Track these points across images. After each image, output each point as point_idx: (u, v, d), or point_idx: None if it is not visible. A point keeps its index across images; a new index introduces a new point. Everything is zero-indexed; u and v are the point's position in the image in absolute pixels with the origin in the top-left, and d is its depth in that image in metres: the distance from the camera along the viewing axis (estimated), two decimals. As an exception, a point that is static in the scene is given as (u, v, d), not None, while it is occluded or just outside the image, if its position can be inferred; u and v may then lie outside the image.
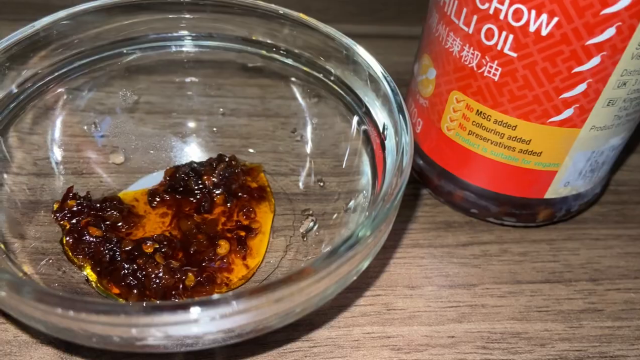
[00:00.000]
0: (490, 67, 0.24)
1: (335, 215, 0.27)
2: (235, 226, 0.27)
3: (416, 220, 0.31)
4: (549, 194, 0.27)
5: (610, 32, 0.21)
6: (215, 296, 0.17)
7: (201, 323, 0.17)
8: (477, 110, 0.25)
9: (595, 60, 0.22)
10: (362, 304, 0.27)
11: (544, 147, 0.25)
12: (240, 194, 0.28)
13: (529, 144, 0.25)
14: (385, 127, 0.25)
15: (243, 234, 0.27)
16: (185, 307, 0.16)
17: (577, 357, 0.25)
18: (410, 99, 0.30)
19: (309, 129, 0.31)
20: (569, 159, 0.25)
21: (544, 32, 0.22)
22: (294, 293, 0.18)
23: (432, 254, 0.29)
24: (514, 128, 0.25)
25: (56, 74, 0.27)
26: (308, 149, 0.30)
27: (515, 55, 0.23)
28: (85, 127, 0.29)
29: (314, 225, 0.28)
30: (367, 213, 0.22)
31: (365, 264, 0.21)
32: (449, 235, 0.30)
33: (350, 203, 0.27)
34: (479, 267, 0.29)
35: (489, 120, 0.25)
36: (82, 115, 0.29)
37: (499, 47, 0.23)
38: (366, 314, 0.26)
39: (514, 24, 0.22)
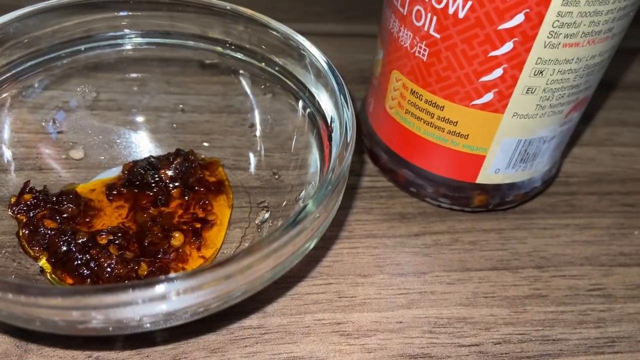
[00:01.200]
0: (420, 47, 0.25)
1: (287, 206, 0.28)
2: (191, 218, 0.28)
3: (371, 212, 0.32)
4: (480, 179, 0.28)
5: (519, 18, 0.22)
6: (154, 278, 0.17)
7: (140, 305, 0.17)
8: (411, 90, 0.26)
9: (508, 46, 0.23)
10: (314, 292, 0.27)
11: (470, 129, 0.26)
12: (197, 187, 0.29)
13: (456, 125, 0.26)
14: (333, 119, 0.26)
15: (198, 225, 0.27)
16: (123, 289, 0.17)
17: (520, 341, 0.26)
18: (370, 84, 0.31)
19: (264, 124, 0.31)
20: (496, 144, 0.26)
21: (460, 15, 0.23)
22: (235, 273, 0.18)
23: (385, 244, 0.30)
24: (442, 108, 0.26)
25: (13, 71, 0.28)
26: (264, 143, 0.31)
27: (438, 36, 0.24)
28: (44, 124, 0.30)
29: (269, 216, 0.29)
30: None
31: (312, 244, 0.22)
32: (403, 225, 0.31)
33: (302, 194, 0.28)
34: (430, 256, 0.30)
35: (421, 100, 0.26)
36: (40, 112, 0.30)
37: (425, 28, 0.24)
38: (318, 302, 0.27)
39: (436, 5, 0.23)
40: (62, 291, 0.17)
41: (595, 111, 0.40)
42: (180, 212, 0.28)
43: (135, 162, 0.29)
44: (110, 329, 0.19)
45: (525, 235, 0.31)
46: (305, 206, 0.20)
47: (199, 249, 0.27)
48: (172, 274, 0.18)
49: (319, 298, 0.27)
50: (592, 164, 0.36)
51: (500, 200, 0.30)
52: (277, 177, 0.30)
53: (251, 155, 0.31)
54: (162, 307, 0.18)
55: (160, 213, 0.28)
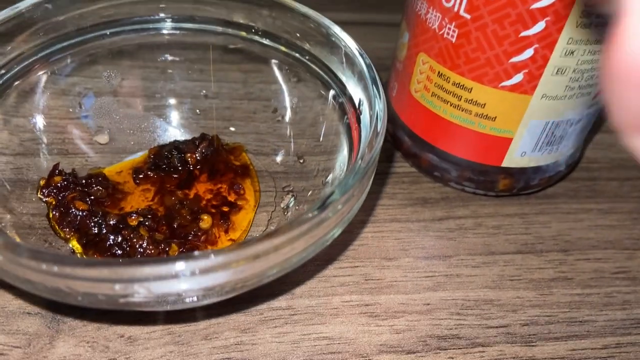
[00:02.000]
0: (449, 28, 0.25)
1: (313, 191, 0.28)
2: (220, 202, 0.28)
3: (394, 197, 0.32)
4: (506, 163, 0.28)
5: None
6: (195, 252, 0.17)
7: (182, 277, 0.18)
8: (439, 72, 0.26)
9: (540, 25, 0.23)
10: (341, 274, 0.27)
11: (498, 111, 0.26)
12: (223, 171, 0.29)
13: (483, 107, 0.26)
14: (361, 102, 0.26)
15: (227, 209, 0.27)
16: (166, 262, 0.17)
17: (547, 322, 0.26)
18: (392, 68, 0.31)
19: (289, 109, 0.31)
20: (523, 127, 0.26)
21: None
22: (269, 251, 0.18)
23: (409, 228, 0.30)
24: (469, 90, 0.26)
25: (40, 54, 0.28)
26: (288, 128, 0.31)
27: (469, 17, 0.24)
28: (70, 108, 0.30)
29: (294, 200, 0.29)
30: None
31: (339, 230, 0.22)
32: (426, 210, 0.31)
33: (328, 177, 0.28)
34: (454, 240, 0.30)
35: (449, 82, 0.26)
36: (66, 96, 0.30)
37: (455, 9, 0.24)
38: (345, 284, 0.27)
39: None
40: (107, 262, 0.17)
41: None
42: (209, 196, 0.28)
43: (162, 147, 0.29)
44: (151, 303, 0.19)
45: (548, 220, 0.31)
46: (333, 192, 0.20)
47: (226, 231, 0.27)
48: (213, 249, 0.18)
49: (346, 280, 0.27)
50: (613, 149, 0.36)
51: (525, 184, 0.30)
52: (301, 161, 0.30)
53: (275, 140, 0.31)
54: (201, 282, 0.18)
55: (187, 196, 0.28)
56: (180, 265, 0.17)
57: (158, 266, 0.17)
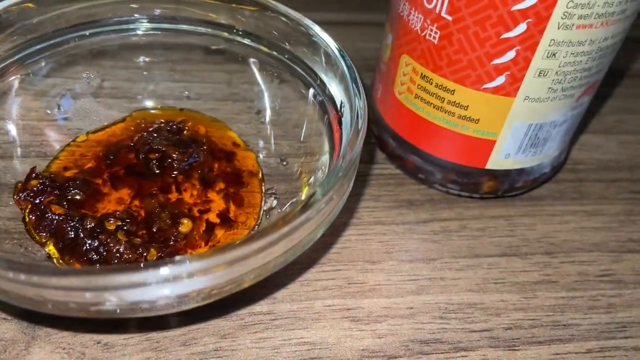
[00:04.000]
0: (431, 30, 0.24)
1: (296, 193, 0.28)
2: (206, 209, 0.27)
3: (379, 199, 0.31)
4: (490, 165, 0.28)
5: None
6: (168, 259, 0.17)
7: (154, 285, 0.17)
8: (421, 74, 0.26)
9: (521, 27, 0.22)
10: (323, 278, 0.27)
11: (481, 114, 0.26)
12: (210, 177, 0.29)
13: (466, 109, 0.26)
14: (343, 104, 0.25)
15: (216, 220, 0.27)
16: (137, 269, 0.17)
17: (531, 326, 0.26)
18: (377, 70, 0.31)
19: (272, 110, 0.31)
20: (507, 129, 0.26)
21: None
22: (248, 255, 0.18)
23: (393, 231, 0.30)
24: (452, 92, 0.25)
25: (17, 56, 0.27)
26: (271, 130, 0.31)
27: (450, 18, 0.24)
28: (48, 110, 0.29)
29: (277, 202, 0.28)
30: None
31: (320, 231, 0.22)
32: (411, 212, 0.31)
33: (311, 180, 0.27)
34: (439, 243, 0.29)
35: (431, 84, 0.26)
36: (44, 98, 0.29)
37: (437, 10, 0.24)
38: (327, 288, 0.27)
39: None
40: (76, 271, 0.17)
41: (602, 99, 0.40)
42: (193, 199, 0.28)
43: (142, 148, 0.29)
44: (123, 311, 0.18)
45: (534, 222, 0.31)
46: (314, 192, 0.20)
47: (206, 242, 0.26)
48: (186, 255, 0.17)
49: (328, 284, 0.27)
50: (600, 151, 0.36)
51: (510, 186, 0.29)
52: (284, 163, 0.30)
53: (258, 142, 0.31)
54: (175, 289, 0.18)
55: (168, 199, 0.27)
56: (152, 273, 0.17)
57: (129, 274, 0.17)
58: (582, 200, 0.33)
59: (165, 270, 0.17)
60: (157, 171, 0.28)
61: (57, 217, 0.25)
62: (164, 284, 0.17)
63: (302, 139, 0.29)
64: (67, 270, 0.17)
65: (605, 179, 0.34)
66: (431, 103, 0.27)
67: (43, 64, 0.28)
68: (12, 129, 0.28)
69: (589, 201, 0.33)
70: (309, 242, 0.22)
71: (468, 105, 0.26)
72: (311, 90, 0.27)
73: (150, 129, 0.30)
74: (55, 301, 0.18)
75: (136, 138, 0.29)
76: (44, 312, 0.22)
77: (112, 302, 0.18)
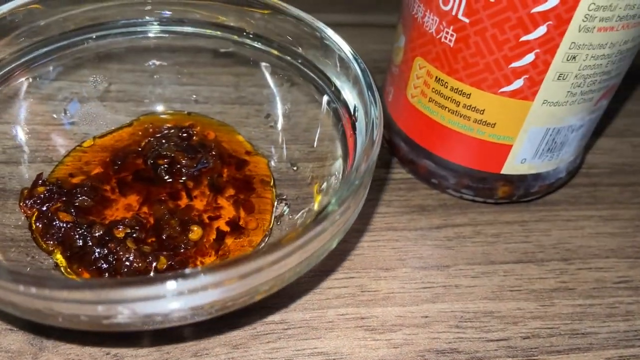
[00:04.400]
0: (447, 32, 0.24)
1: (307, 199, 0.27)
2: (216, 216, 0.27)
3: (391, 204, 0.31)
4: (505, 170, 0.27)
5: (554, 0, 0.21)
6: (181, 271, 0.16)
7: (168, 298, 0.17)
8: (436, 77, 0.26)
9: (541, 30, 0.22)
10: (336, 286, 0.27)
11: (498, 118, 0.25)
12: (221, 184, 0.28)
13: (482, 113, 0.25)
14: (356, 108, 0.25)
15: (227, 229, 0.26)
16: (151, 282, 0.16)
17: (549, 335, 0.26)
18: (388, 72, 0.31)
19: (282, 114, 0.31)
20: (523, 133, 0.25)
21: None
22: (262, 267, 0.18)
23: (406, 237, 0.29)
24: (468, 96, 0.25)
25: (23, 59, 0.27)
26: (282, 134, 0.30)
27: (467, 21, 0.23)
28: (55, 115, 0.29)
29: (288, 209, 0.28)
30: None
31: (335, 242, 0.21)
32: (423, 218, 0.30)
33: (323, 186, 0.27)
34: (453, 249, 0.29)
35: (446, 88, 0.25)
36: (51, 102, 0.29)
37: (453, 13, 0.23)
38: (340, 296, 0.26)
39: None
40: (88, 284, 0.16)
41: (614, 102, 0.40)
42: (202, 206, 0.27)
43: (150, 153, 0.28)
44: (136, 324, 0.18)
45: (549, 227, 0.30)
46: (329, 203, 0.19)
47: (217, 251, 0.26)
48: (200, 267, 0.17)
49: (341, 292, 0.26)
50: (613, 154, 0.35)
51: (525, 191, 0.29)
52: (295, 168, 0.29)
53: (268, 146, 0.30)
54: (189, 302, 0.18)
55: (177, 206, 0.27)
56: (166, 286, 0.16)
57: (142, 287, 0.16)
58: (597, 205, 0.32)
59: (179, 283, 0.16)
60: (166, 177, 0.28)
61: (64, 225, 0.24)
62: (178, 297, 0.17)
63: (313, 144, 0.29)
64: (78, 283, 0.17)
65: (619, 182, 0.34)
66: (446, 107, 0.26)
67: (50, 67, 0.28)
68: (18, 134, 0.28)
69: (604, 206, 0.32)
70: (323, 253, 0.21)
71: (484, 110, 0.25)
72: (325, 97, 0.27)
73: (158, 134, 0.29)
74: (66, 314, 0.17)
75: (144, 143, 0.29)
76: (54, 325, 0.22)
77: (124, 315, 0.17)
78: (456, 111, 0.26)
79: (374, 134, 0.21)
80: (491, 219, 0.30)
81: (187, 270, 0.17)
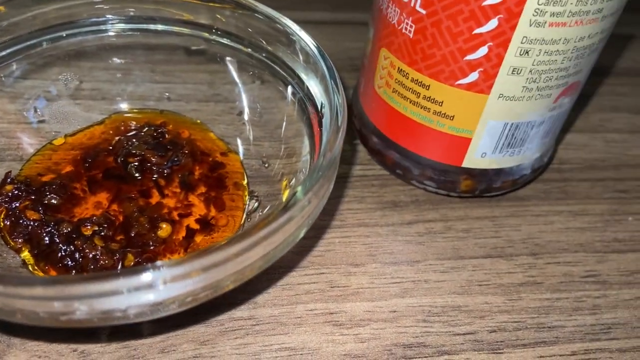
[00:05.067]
0: (407, 24, 0.24)
1: (277, 195, 0.27)
2: (187, 213, 0.27)
3: (363, 200, 0.31)
4: (466, 163, 0.28)
5: None
6: (139, 266, 0.17)
7: (125, 294, 0.17)
8: (398, 68, 0.26)
9: (493, 23, 0.22)
10: (305, 282, 0.27)
11: (456, 110, 0.25)
12: (193, 182, 0.28)
13: (441, 105, 0.25)
14: (323, 105, 0.25)
15: (196, 227, 0.26)
16: (107, 278, 0.16)
17: (515, 328, 0.26)
18: (361, 65, 0.31)
19: (253, 111, 0.31)
20: (482, 127, 0.26)
21: None
22: (224, 260, 0.18)
23: (377, 233, 0.29)
24: (427, 88, 0.25)
25: (-8, 58, 0.27)
26: (253, 131, 0.31)
27: (424, 12, 0.24)
28: (25, 113, 0.29)
29: (258, 205, 0.28)
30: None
31: (301, 233, 0.22)
32: (395, 214, 0.30)
33: (292, 182, 0.27)
34: (423, 244, 0.29)
35: (407, 78, 0.26)
36: (20, 100, 0.29)
37: (412, 4, 0.24)
38: (310, 292, 0.26)
39: None
40: (43, 280, 0.16)
41: (588, 97, 0.40)
42: (174, 203, 0.27)
43: (121, 151, 0.28)
44: (95, 320, 0.18)
45: (519, 223, 0.31)
46: (295, 192, 0.20)
47: (186, 249, 0.26)
48: (158, 262, 0.17)
49: (310, 288, 0.27)
50: (585, 150, 0.36)
51: (488, 186, 0.29)
52: (266, 165, 0.29)
53: (240, 143, 0.30)
54: (149, 297, 0.18)
55: (147, 203, 0.27)
56: (123, 281, 0.16)
57: (98, 283, 0.16)
58: (568, 200, 0.32)
59: (136, 278, 0.16)
60: (137, 175, 0.28)
61: (32, 223, 0.24)
62: (136, 292, 0.17)
63: (283, 140, 0.29)
64: (34, 280, 0.17)
65: (590, 178, 0.34)
66: (407, 98, 0.26)
67: (19, 65, 0.28)
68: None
69: (574, 201, 0.32)
70: (288, 245, 0.22)
71: (443, 101, 0.25)
72: (290, 89, 0.27)
73: (130, 133, 0.29)
74: (25, 310, 0.17)
75: (115, 142, 0.29)
76: (15, 322, 0.22)
77: (82, 311, 0.17)
78: (417, 102, 0.26)
79: (339, 122, 0.22)
80: (462, 214, 0.31)
81: (144, 265, 0.17)
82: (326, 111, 0.24)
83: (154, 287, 0.17)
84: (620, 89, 0.41)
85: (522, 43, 0.23)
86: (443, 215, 0.31)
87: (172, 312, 0.20)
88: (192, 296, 0.19)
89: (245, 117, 0.31)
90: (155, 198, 0.27)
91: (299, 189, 0.20)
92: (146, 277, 0.17)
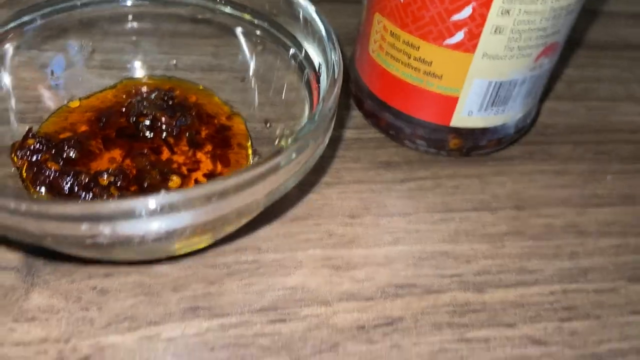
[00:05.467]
0: None
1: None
2: (194, 168, 0.29)
3: (359, 160, 0.33)
4: (454, 122, 0.30)
5: None
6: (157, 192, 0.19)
7: (143, 216, 0.19)
8: (391, 31, 0.28)
9: None
10: (305, 231, 0.29)
11: (444, 70, 0.28)
12: (200, 140, 0.30)
13: (430, 65, 0.28)
14: (320, 65, 0.27)
15: (205, 180, 0.28)
16: (126, 199, 0.18)
17: (498, 272, 0.28)
18: (357, 32, 0.33)
19: (256, 77, 0.33)
20: (468, 85, 0.28)
21: None
22: (232, 189, 0.20)
23: (371, 189, 0.32)
24: (417, 49, 0.27)
25: (9, 26, 0.29)
26: (257, 96, 0.33)
27: None
28: (42, 78, 0.31)
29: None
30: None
31: (291, 181, 0.23)
32: (389, 173, 0.33)
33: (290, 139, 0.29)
34: (415, 199, 0.31)
35: (399, 41, 0.28)
36: (37, 66, 0.31)
37: None
38: (309, 240, 0.28)
39: None
40: (72, 201, 0.18)
41: (571, 69, 0.42)
42: (179, 160, 0.29)
43: (132, 112, 0.30)
44: (116, 245, 0.20)
45: (504, 180, 0.33)
46: (295, 135, 0.22)
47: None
48: (176, 188, 0.19)
49: (310, 237, 0.29)
50: (568, 116, 0.38)
51: (474, 144, 0.31)
52: (268, 126, 0.31)
53: (243, 107, 0.32)
54: (165, 221, 0.20)
55: (158, 159, 0.29)
56: (141, 202, 0.19)
57: (119, 202, 0.18)
58: (551, 160, 0.34)
59: (155, 199, 0.19)
60: (148, 133, 0.30)
61: (53, 173, 0.26)
62: (153, 216, 0.19)
63: (284, 103, 0.31)
64: (63, 200, 0.19)
65: (573, 141, 0.36)
66: (399, 60, 0.28)
67: (35, 33, 0.30)
68: (6, 98, 0.30)
69: (556, 161, 0.34)
70: (292, 183, 0.23)
71: (432, 62, 0.27)
72: (290, 52, 0.29)
73: (140, 96, 0.31)
74: (55, 234, 0.19)
75: (127, 104, 0.31)
76: (44, 260, 0.24)
77: (105, 235, 0.19)
78: (408, 63, 0.28)
79: (335, 74, 0.24)
80: (451, 172, 0.33)
81: (161, 191, 0.19)
82: (323, 70, 0.26)
83: (170, 212, 0.19)
84: (602, 61, 0.43)
85: (503, 3, 0.25)
86: (433, 173, 0.33)
87: (186, 238, 0.22)
88: (200, 227, 0.21)
89: (249, 83, 0.33)
90: (165, 155, 0.29)
91: (296, 133, 0.22)
92: (163, 198, 0.19)
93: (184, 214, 0.20)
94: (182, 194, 0.19)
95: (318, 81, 0.27)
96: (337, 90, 0.24)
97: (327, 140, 0.25)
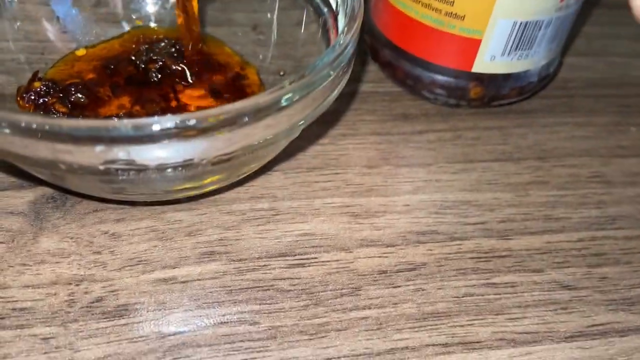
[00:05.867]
0: None
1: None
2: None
3: (375, 113, 0.32)
4: (476, 68, 0.29)
5: None
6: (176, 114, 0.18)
7: (161, 141, 0.18)
8: None
9: None
10: (322, 180, 0.28)
11: (467, 9, 0.26)
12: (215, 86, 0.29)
13: (452, 5, 0.26)
14: (338, 3, 0.26)
15: None
16: (147, 120, 0.17)
17: (523, 219, 0.27)
18: None
19: (268, 27, 0.32)
20: (491, 27, 0.27)
21: None
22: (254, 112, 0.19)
23: (389, 140, 0.30)
24: None
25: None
26: (270, 45, 0.31)
27: None
28: (48, 25, 0.30)
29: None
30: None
31: (316, 111, 0.22)
32: (406, 124, 0.32)
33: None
34: (434, 150, 0.30)
35: None
36: (45, 13, 0.30)
37: None
38: (326, 189, 0.27)
39: None
40: (85, 120, 0.17)
41: (590, 26, 0.41)
42: (191, 107, 0.28)
43: (141, 59, 0.29)
44: (131, 174, 0.19)
45: (526, 132, 0.32)
46: (315, 64, 0.21)
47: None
48: (191, 113, 0.18)
49: (327, 186, 0.28)
50: (589, 71, 0.37)
51: (496, 92, 0.30)
52: (281, 73, 0.30)
53: (255, 57, 0.31)
54: (181, 148, 0.19)
55: (169, 106, 0.28)
56: (157, 124, 0.17)
57: (135, 122, 0.17)
58: (573, 112, 0.33)
59: (170, 121, 0.18)
60: (157, 80, 0.29)
61: (60, 115, 0.25)
62: (168, 142, 0.18)
63: (299, 50, 0.30)
64: (77, 120, 0.18)
65: (594, 94, 0.35)
66: (419, 0, 0.27)
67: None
68: (11, 45, 0.29)
69: (579, 114, 0.33)
70: (310, 119, 0.22)
71: (454, 1, 0.26)
72: (312, 9, 0.28)
73: (149, 44, 0.30)
74: (67, 161, 0.18)
75: (135, 52, 0.30)
76: (53, 205, 0.23)
77: (122, 160, 0.18)
78: (428, 4, 0.27)
79: (355, 10, 0.23)
80: (471, 125, 0.32)
81: (179, 114, 0.18)
82: (340, 8, 0.25)
83: (187, 137, 0.18)
84: (622, 19, 0.42)
85: None
86: (452, 126, 0.32)
87: (203, 172, 0.21)
88: (216, 157, 0.20)
89: (262, 31, 0.32)
90: (175, 102, 0.28)
91: (317, 62, 0.21)
92: (175, 119, 0.18)
93: (202, 141, 0.19)
94: (200, 114, 0.18)
95: (336, 18, 0.26)
96: (358, 22, 0.23)
97: (349, 72, 0.24)
